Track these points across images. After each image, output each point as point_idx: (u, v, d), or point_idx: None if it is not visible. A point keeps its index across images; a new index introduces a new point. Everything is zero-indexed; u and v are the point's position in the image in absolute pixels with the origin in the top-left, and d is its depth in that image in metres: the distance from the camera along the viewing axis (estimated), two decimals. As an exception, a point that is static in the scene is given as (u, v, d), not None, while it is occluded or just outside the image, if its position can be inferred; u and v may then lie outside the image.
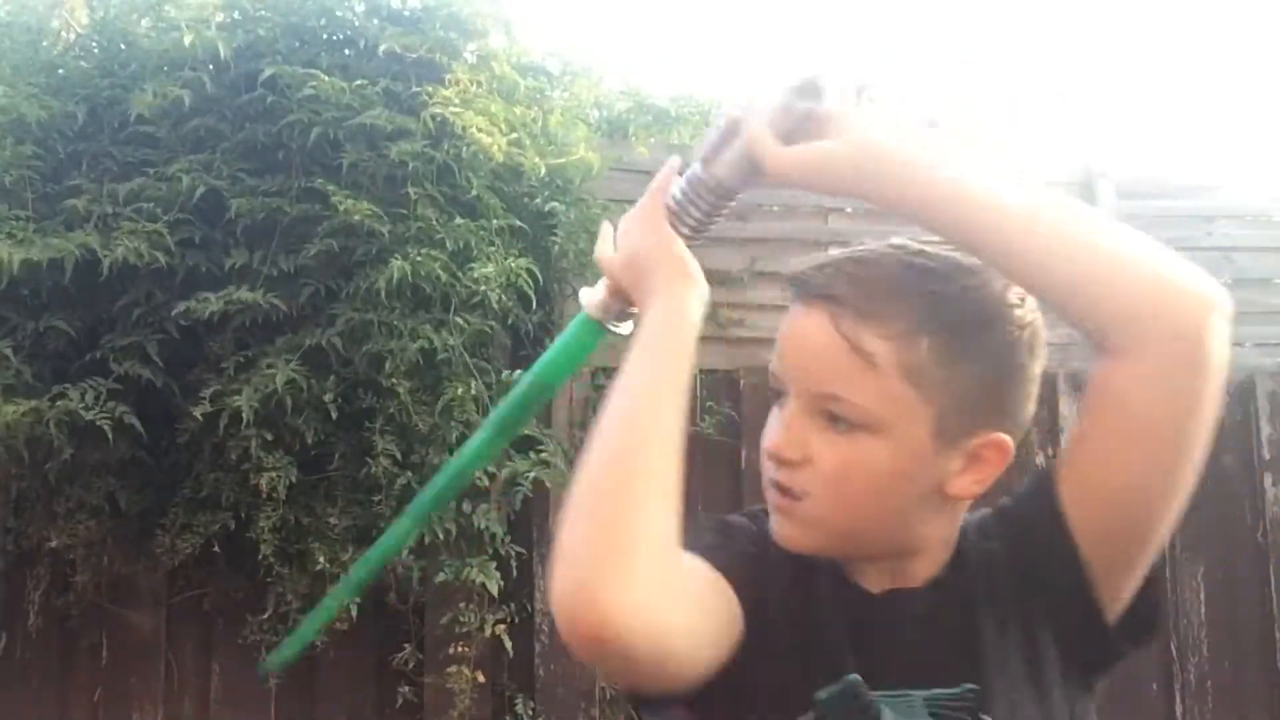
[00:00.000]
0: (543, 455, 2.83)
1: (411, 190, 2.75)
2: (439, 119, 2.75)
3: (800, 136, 0.86)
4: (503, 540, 2.82)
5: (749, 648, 0.87)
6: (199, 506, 2.78)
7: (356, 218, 2.68)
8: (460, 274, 2.72)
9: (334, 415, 2.70)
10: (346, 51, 3.02)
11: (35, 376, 2.70)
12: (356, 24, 3.02)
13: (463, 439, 2.73)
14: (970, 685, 0.86)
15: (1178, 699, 3.33)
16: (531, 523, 3.02)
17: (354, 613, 2.72)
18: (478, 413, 2.76)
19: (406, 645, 2.86)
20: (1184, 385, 0.82)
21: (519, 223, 2.94)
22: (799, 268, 0.91)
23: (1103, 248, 0.83)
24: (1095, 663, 0.93)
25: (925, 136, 0.89)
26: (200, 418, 2.63)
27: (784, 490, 0.89)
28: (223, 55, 2.82)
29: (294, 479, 2.69)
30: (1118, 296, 0.81)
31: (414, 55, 2.87)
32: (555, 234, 3.00)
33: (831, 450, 0.87)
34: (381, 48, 2.87)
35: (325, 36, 3.05)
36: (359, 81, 2.80)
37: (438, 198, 2.81)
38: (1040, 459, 3.14)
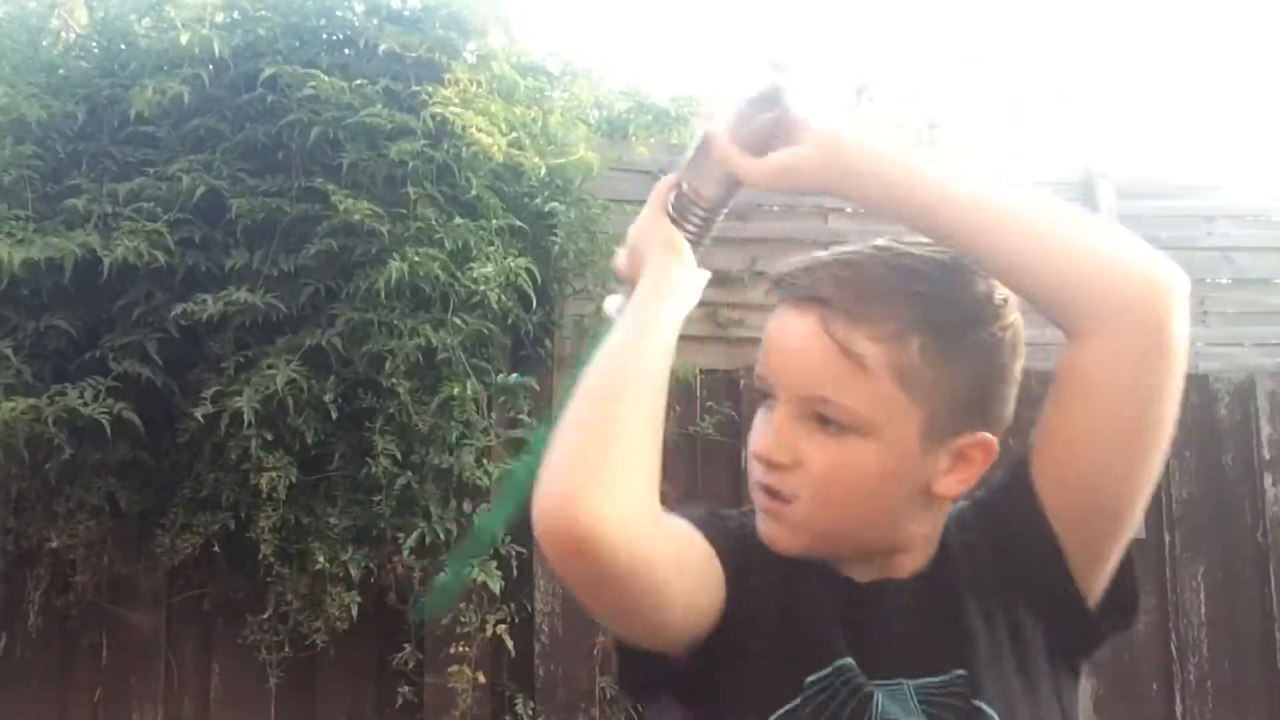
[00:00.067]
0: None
1: (411, 190, 2.75)
2: (439, 118, 2.75)
3: (775, 142, 0.90)
4: (503, 540, 2.82)
5: (736, 634, 0.88)
6: (199, 506, 2.78)
7: (356, 217, 2.68)
8: (459, 274, 2.72)
9: (334, 415, 2.70)
10: (346, 51, 3.02)
11: (35, 376, 2.70)
12: (356, 24, 3.02)
13: (462, 438, 2.73)
14: (960, 671, 0.87)
15: (1178, 699, 3.33)
16: (531, 522, 3.01)
17: (354, 612, 2.72)
18: (477, 412, 2.76)
19: (406, 645, 2.86)
20: (1148, 368, 0.85)
21: (519, 222, 2.94)
22: (784, 270, 0.92)
23: (1069, 236, 0.86)
24: (1079, 647, 0.95)
25: (886, 133, 0.91)
26: (200, 418, 2.63)
27: (772, 493, 0.90)
28: (222, 55, 2.82)
29: (294, 479, 2.69)
30: (1084, 283, 0.84)
31: (414, 55, 2.88)
32: (555, 234, 3.00)
33: (821, 453, 0.87)
34: (381, 47, 2.87)
35: (325, 36, 3.05)
36: (359, 81, 2.80)
37: (437, 197, 2.81)
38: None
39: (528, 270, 2.80)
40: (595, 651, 3.01)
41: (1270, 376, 3.52)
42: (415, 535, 2.69)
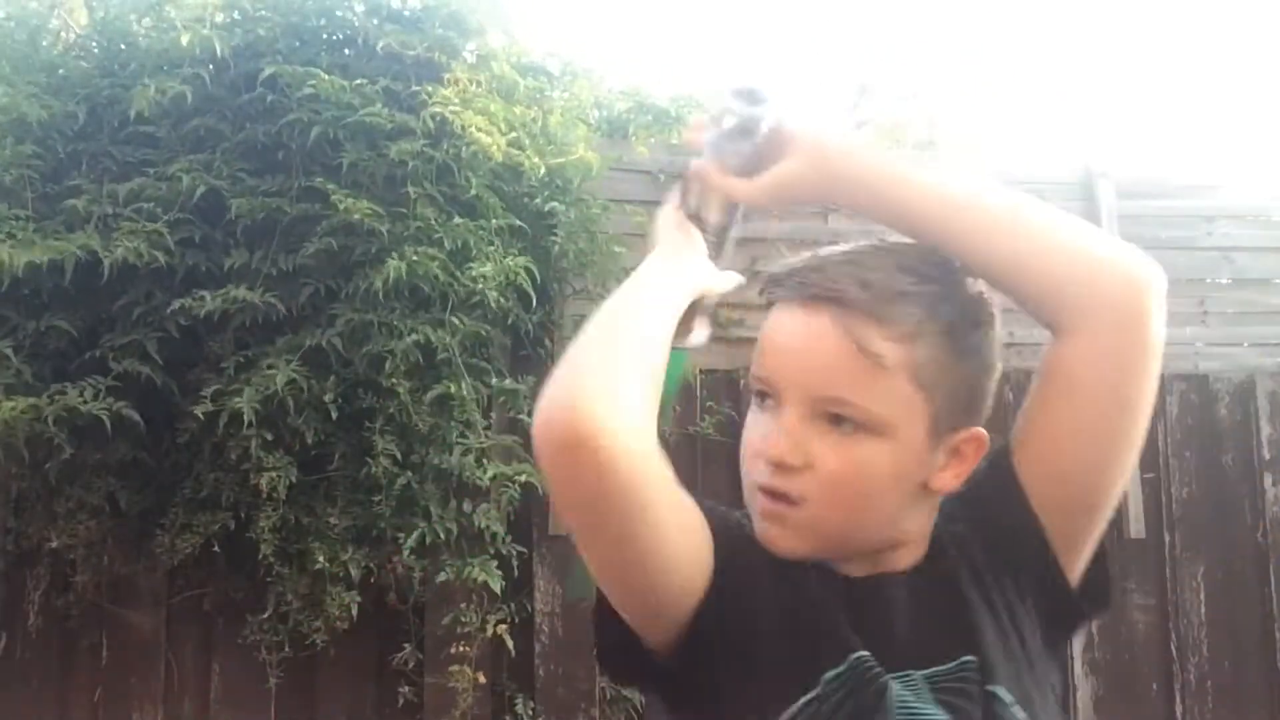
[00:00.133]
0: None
1: (411, 189, 2.75)
2: (438, 118, 2.75)
3: (766, 159, 0.93)
4: (503, 540, 2.82)
5: (734, 635, 0.87)
6: (199, 506, 2.78)
7: (356, 217, 2.69)
8: (459, 273, 2.72)
9: (334, 415, 2.70)
10: (346, 51, 3.02)
11: (35, 376, 2.70)
12: (356, 23, 3.02)
13: (462, 438, 2.73)
14: (968, 658, 0.88)
15: (1178, 699, 3.33)
16: (531, 522, 3.02)
17: (354, 612, 2.72)
18: (477, 412, 2.75)
19: (407, 645, 2.86)
20: (1131, 364, 0.89)
21: (518, 222, 2.94)
22: (785, 268, 0.92)
23: (1057, 236, 0.90)
24: (1064, 629, 0.98)
25: (877, 136, 0.93)
26: (201, 416, 2.63)
27: (777, 496, 0.89)
28: (222, 55, 2.82)
29: (294, 479, 2.69)
30: (1072, 281, 0.88)
31: (413, 54, 2.88)
32: (555, 234, 3.00)
33: (834, 454, 0.87)
34: (380, 44, 2.87)
35: (325, 36, 3.05)
36: (359, 81, 2.80)
37: (437, 197, 2.81)
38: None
39: (527, 270, 2.80)
40: (595, 651, 3.01)
41: (1270, 376, 3.52)
42: (415, 535, 2.69)
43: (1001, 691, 0.87)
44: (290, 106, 2.80)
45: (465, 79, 2.83)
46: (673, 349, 1.00)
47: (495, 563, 2.78)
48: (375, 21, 2.96)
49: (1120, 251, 0.89)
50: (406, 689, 2.88)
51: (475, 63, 2.97)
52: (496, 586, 2.76)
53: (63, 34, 3.09)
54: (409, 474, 2.70)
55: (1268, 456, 3.46)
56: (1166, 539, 3.40)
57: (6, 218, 2.74)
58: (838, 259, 0.90)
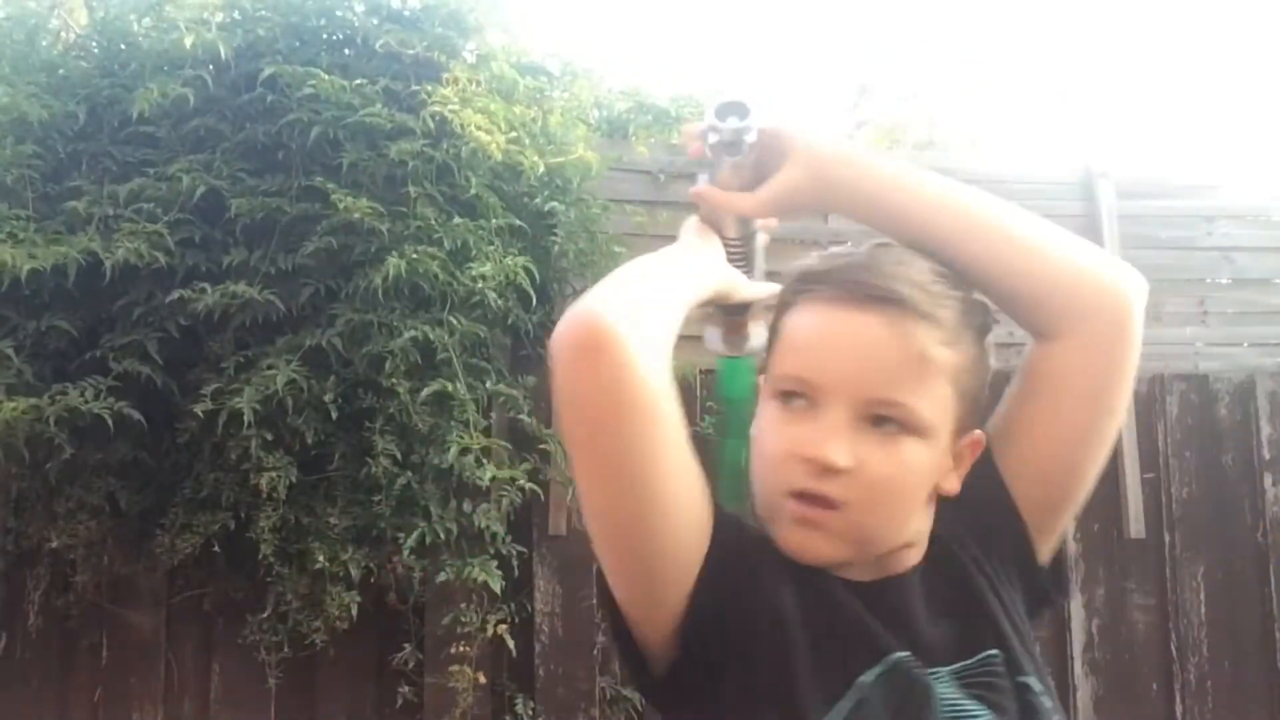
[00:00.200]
0: (542, 449, 2.85)
1: (411, 189, 2.75)
2: (438, 118, 2.75)
3: (766, 168, 0.94)
4: (503, 540, 2.82)
5: (740, 640, 0.85)
6: (199, 506, 2.78)
7: (356, 216, 2.69)
8: (458, 273, 2.72)
9: (334, 415, 2.70)
10: (346, 51, 3.02)
11: (36, 376, 2.70)
12: (356, 23, 3.02)
13: (461, 438, 2.73)
14: (991, 651, 0.88)
15: (1178, 699, 3.33)
16: (531, 522, 3.02)
17: (354, 612, 2.72)
18: (476, 411, 2.75)
19: (407, 645, 2.86)
20: (1112, 363, 0.92)
21: (518, 222, 2.94)
22: (827, 265, 0.91)
23: (1045, 241, 0.93)
24: (1037, 621, 1.00)
25: (863, 146, 0.93)
26: (201, 415, 2.63)
27: (815, 500, 0.86)
28: (223, 55, 2.82)
29: (294, 479, 2.69)
30: (1061, 286, 0.91)
31: (413, 54, 2.88)
32: (555, 234, 3.00)
33: (879, 456, 0.86)
34: (379, 43, 2.87)
35: (325, 36, 3.05)
36: (358, 80, 2.80)
37: (437, 197, 2.81)
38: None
39: (527, 270, 2.80)
40: (595, 651, 3.02)
41: (1270, 376, 3.52)
42: (415, 535, 2.69)
43: (1032, 681, 0.88)
44: (290, 106, 2.80)
45: (465, 78, 2.83)
46: (734, 357, 1.02)
47: (495, 563, 2.78)
48: (375, 21, 2.96)
49: (1106, 260, 0.93)
50: (406, 689, 2.88)
51: (475, 62, 2.97)
52: (496, 586, 2.76)
53: (63, 34, 3.09)
54: (409, 474, 2.70)
55: (1268, 456, 3.46)
56: (1166, 539, 3.40)
57: (7, 218, 2.74)
58: (887, 258, 0.90)
